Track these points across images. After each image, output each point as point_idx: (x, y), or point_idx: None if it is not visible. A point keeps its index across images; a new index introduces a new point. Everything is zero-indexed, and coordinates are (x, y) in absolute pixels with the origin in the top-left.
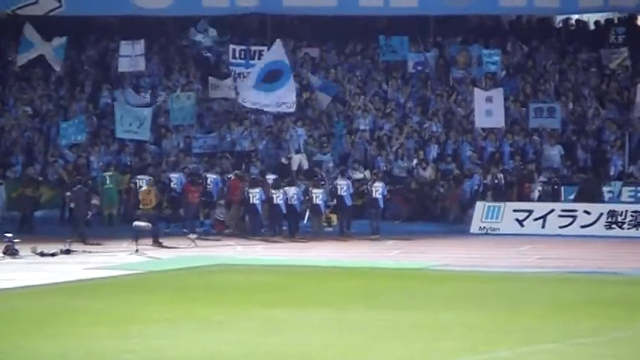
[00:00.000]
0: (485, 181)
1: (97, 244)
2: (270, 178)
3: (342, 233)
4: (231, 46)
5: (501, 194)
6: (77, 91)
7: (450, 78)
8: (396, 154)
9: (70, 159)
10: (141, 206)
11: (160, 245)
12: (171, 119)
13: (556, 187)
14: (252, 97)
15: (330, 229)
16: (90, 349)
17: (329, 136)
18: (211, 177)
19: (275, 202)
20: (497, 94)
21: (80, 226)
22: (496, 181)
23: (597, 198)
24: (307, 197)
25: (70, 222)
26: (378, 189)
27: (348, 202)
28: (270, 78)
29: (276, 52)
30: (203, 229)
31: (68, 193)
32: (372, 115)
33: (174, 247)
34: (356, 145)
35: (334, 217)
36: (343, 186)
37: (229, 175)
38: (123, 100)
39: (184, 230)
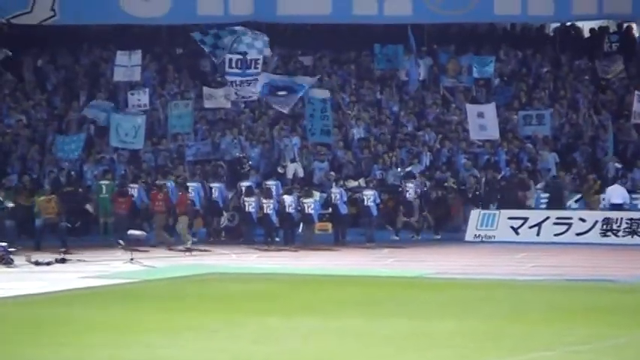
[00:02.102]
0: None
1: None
2: (243, 185)
3: (337, 242)
4: (228, 55)
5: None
6: (73, 101)
7: (440, 87)
8: (390, 162)
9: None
10: (44, 215)
11: (62, 253)
12: (170, 127)
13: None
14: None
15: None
16: (85, 358)
17: (324, 144)
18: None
19: (265, 211)
20: (490, 109)
21: None
22: (425, 189)
23: (561, 203)
24: (299, 207)
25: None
26: (369, 197)
27: (343, 210)
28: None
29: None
30: (195, 239)
31: None
32: (365, 123)
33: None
34: (350, 153)
35: (329, 226)
36: (337, 194)
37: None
38: (116, 108)
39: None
